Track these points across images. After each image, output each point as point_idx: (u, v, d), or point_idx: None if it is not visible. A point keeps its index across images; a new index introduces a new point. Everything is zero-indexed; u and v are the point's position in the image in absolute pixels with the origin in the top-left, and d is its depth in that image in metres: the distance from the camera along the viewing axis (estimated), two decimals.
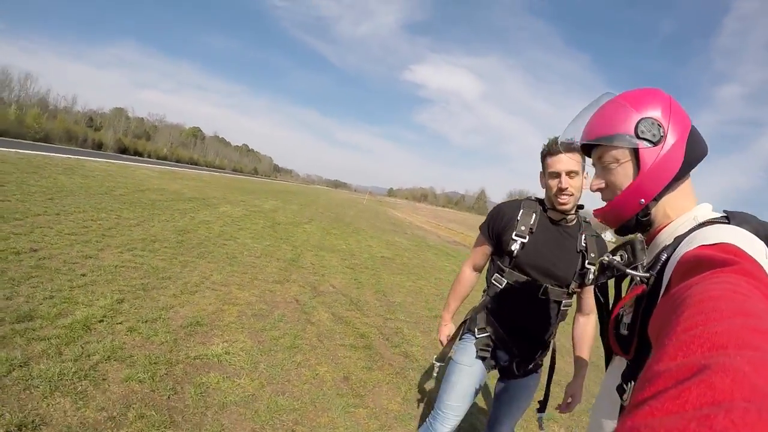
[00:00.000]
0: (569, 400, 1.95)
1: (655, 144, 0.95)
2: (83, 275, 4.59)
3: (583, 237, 1.88)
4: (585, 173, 1.84)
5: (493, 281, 1.93)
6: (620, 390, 0.96)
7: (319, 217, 17.95)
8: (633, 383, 0.90)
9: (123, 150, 65.86)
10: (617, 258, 1.02)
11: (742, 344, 0.40)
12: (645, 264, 0.95)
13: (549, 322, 1.88)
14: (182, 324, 3.89)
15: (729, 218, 0.88)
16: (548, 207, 1.90)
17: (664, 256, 0.89)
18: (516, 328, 1.89)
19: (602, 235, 1.97)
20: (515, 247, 1.84)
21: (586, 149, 1.11)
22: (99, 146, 60.34)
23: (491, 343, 1.91)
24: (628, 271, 0.96)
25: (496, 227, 1.96)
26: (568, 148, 1.70)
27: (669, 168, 0.96)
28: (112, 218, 8.25)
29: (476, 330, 1.94)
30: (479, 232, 2.07)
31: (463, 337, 2.03)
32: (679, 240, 0.88)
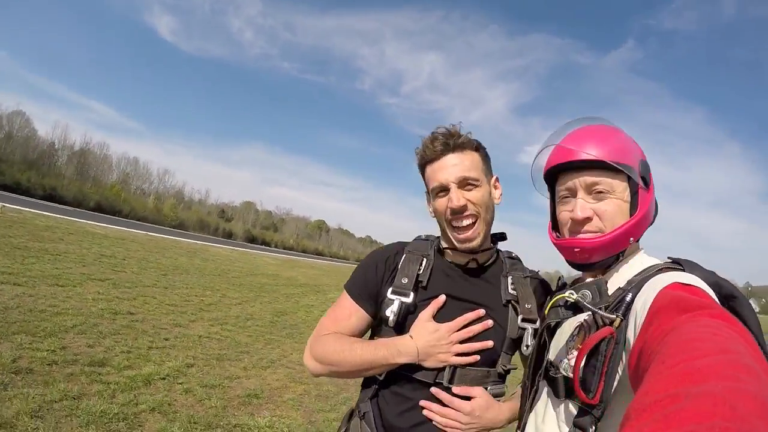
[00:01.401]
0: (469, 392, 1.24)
1: (647, 188, 1.03)
2: (166, 339, 5.30)
3: (509, 281, 1.32)
4: (494, 179, 1.37)
5: None
6: None
7: None
8: (595, 427, 0.89)
9: (251, 239, 74.26)
10: (582, 295, 1.00)
11: (722, 376, 0.48)
12: (609, 305, 0.96)
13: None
14: (240, 394, 4.22)
15: (681, 265, 0.94)
16: (446, 247, 1.37)
17: (629, 297, 0.92)
18: None
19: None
20: (392, 311, 1.26)
21: (551, 175, 1.11)
22: (229, 235, 69.06)
23: None
24: (596, 310, 0.94)
25: (369, 283, 1.36)
26: (454, 144, 1.28)
27: (652, 213, 1.05)
28: (216, 296, 9.30)
29: None
30: (343, 292, 1.41)
31: None
32: (637, 282, 0.93)
